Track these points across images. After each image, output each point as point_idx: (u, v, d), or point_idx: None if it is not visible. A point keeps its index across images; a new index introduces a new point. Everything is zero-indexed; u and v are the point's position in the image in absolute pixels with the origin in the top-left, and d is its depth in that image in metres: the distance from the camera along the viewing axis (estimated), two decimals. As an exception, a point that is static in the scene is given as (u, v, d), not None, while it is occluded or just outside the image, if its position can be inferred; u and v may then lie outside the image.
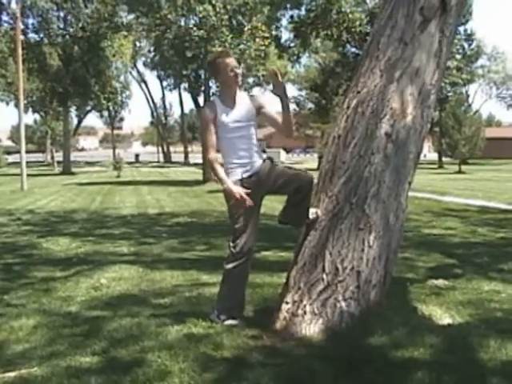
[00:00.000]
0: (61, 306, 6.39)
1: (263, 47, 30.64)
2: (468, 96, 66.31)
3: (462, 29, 56.29)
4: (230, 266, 5.54)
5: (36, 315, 5.98)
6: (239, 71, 5.53)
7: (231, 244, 5.53)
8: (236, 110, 5.54)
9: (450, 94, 54.07)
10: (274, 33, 33.42)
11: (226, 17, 29.61)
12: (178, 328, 5.34)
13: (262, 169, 5.54)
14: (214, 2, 29.51)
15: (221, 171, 5.51)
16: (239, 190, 5.36)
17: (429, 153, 74.05)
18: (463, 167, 49.79)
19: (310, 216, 5.45)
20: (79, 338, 5.22)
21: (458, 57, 53.18)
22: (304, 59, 54.96)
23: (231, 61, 5.51)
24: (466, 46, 59.76)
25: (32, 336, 5.34)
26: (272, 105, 5.81)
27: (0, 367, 4.59)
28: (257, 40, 29.14)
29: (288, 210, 5.70)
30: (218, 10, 29.15)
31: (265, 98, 6.06)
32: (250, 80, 37.35)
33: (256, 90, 40.78)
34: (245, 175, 5.47)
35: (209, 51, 28.44)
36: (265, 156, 5.70)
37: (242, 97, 5.64)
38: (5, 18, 40.85)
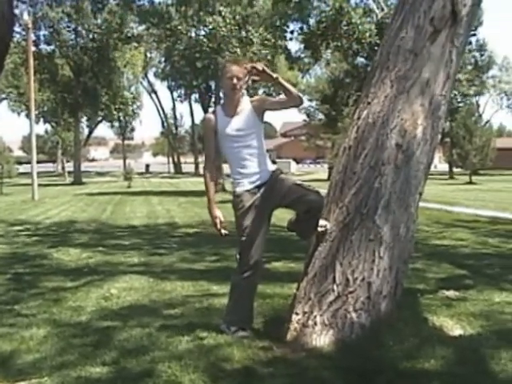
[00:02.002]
0: (71, 316, 6.38)
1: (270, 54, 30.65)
2: (479, 106, 66.09)
3: (473, 39, 56.23)
4: (237, 278, 5.52)
5: (46, 325, 5.97)
6: (236, 81, 5.28)
7: (238, 256, 5.48)
8: (236, 118, 5.39)
9: (460, 104, 53.82)
10: (281, 43, 33.43)
11: (236, 27, 29.67)
12: (188, 339, 5.32)
13: (271, 180, 5.43)
14: (223, 13, 29.59)
15: (210, 189, 5.55)
16: (217, 220, 5.46)
17: (439, 163, 73.60)
18: (474, 178, 49.61)
19: (319, 229, 5.40)
20: (89, 348, 5.20)
21: (469, 67, 53.00)
22: (314, 70, 55.01)
23: (233, 69, 5.31)
24: (477, 56, 59.56)
25: (42, 346, 5.32)
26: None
27: (10, 377, 4.58)
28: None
29: (296, 222, 5.61)
30: (227, 21, 29.21)
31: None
32: (260, 91, 37.44)
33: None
34: (252, 186, 5.38)
35: (219, 62, 28.52)
36: (274, 167, 5.59)
37: (243, 104, 5.45)
38: (17, 29, 41.06)
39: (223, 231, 5.49)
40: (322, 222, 5.40)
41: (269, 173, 5.47)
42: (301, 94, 5.49)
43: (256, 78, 5.34)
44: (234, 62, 5.49)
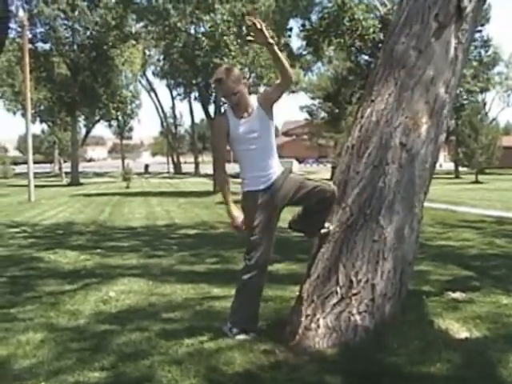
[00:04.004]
0: (69, 319, 6.30)
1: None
2: (485, 104, 66.07)
3: (478, 35, 56.14)
4: (245, 277, 5.43)
5: (43, 329, 5.89)
6: (235, 97, 5.24)
7: (246, 256, 5.42)
8: (248, 119, 5.32)
9: (466, 102, 53.63)
10: (283, 40, 33.43)
11: (235, 24, 29.61)
12: (188, 342, 5.24)
13: (279, 180, 5.38)
14: (220, 10, 29.53)
15: (227, 191, 5.52)
16: (237, 220, 5.42)
17: (445, 162, 73.73)
18: (480, 177, 49.55)
19: (322, 230, 5.35)
20: (87, 352, 5.13)
21: (475, 64, 52.85)
22: (316, 67, 55.01)
23: (227, 88, 5.23)
24: (482, 52, 59.48)
25: (39, 350, 5.25)
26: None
27: (6, 383, 4.52)
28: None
29: (302, 217, 5.56)
30: (225, 18, 29.16)
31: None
32: (261, 89, 37.38)
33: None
34: (262, 187, 5.33)
35: (215, 63, 28.46)
36: (283, 168, 5.53)
37: (252, 103, 5.38)
38: (13, 25, 40.97)
39: (238, 229, 5.50)
40: (326, 224, 5.34)
41: (279, 172, 5.44)
42: (291, 70, 5.34)
43: (251, 37, 5.07)
44: (224, 80, 5.24)
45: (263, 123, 5.35)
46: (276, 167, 5.43)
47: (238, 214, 5.45)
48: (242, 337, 5.30)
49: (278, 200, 5.38)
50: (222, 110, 5.91)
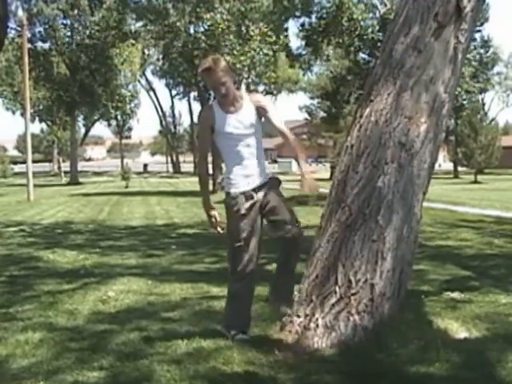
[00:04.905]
0: (67, 319, 6.29)
1: (271, 53, 30.63)
2: (484, 104, 66.06)
3: (478, 35, 56.12)
4: (232, 285, 5.42)
5: (42, 329, 5.88)
6: (224, 88, 5.07)
7: (231, 263, 5.36)
8: (235, 115, 5.18)
9: (465, 101, 53.58)
10: (282, 40, 33.42)
11: (235, 23, 29.60)
12: (187, 342, 5.23)
13: (267, 186, 5.28)
14: (220, 9, 29.52)
15: (206, 187, 5.48)
16: (213, 219, 5.37)
17: (444, 162, 73.71)
18: (479, 177, 49.50)
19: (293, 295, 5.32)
20: (86, 352, 5.12)
21: (474, 64, 52.77)
22: (316, 67, 54.94)
23: (215, 78, 5.07)
24: (482, 52, 59.42)
25: (38, 350, 5.24)
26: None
27: (5, 382, 4.51)
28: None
29: (278, 284, 5.52)
30: (224, 17, 29.16)
31: (266, 99, 5.73)
32: (261, 88, 37.37)
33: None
34: (248, 188, 5.19)
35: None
36: (271, 173, 5.44)
37: (243, 99, 5.26)
38: (12, 25, 40.97)
39: (219, 229, 5.41)
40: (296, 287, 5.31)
41: (266, 176, 5.34)
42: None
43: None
44: (213, 68, 5.08)
45: (251, 121, 5.21)
46: (262, 170, 5.31)
47: (214, 213, 5.37)
48: (240, 337, 5.28)
49: (262, 205, 5.25)
50: (210, 103, 5.69)
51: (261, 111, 5.27)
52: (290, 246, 5.31)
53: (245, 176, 5.20)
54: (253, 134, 5.23)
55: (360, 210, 5.21)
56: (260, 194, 5.22)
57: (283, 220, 5.24)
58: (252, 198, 5.18)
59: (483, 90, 61.14)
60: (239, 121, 5.16)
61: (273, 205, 5.24)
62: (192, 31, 32.40)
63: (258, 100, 5.37)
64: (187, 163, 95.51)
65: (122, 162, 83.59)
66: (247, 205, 5.16)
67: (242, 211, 5.16)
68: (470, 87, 49.26)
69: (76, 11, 47.64)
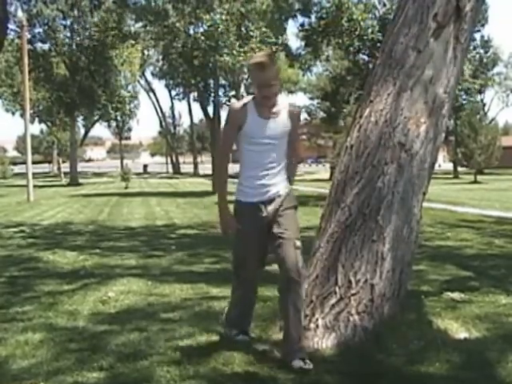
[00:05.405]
0: (67, 319, 6.27)
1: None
2: (484, 104, 65.91)
3: (478, 35, 56.13)
4: (235, 285, 5.33)
5: (42, 329, 5.87)
6: (270, 94, 4.60)
7: (234, 267, 5.24)
8: (271, 122, 4.71)
9: (465, 102, 53.61)
10: (280, 41, 33.44)
11: (234, 24, 29.61)
12: (187, 342, 5.23)
13: (279, 203, 4.80)
14: (219, 10, 29.54)
15: (225, 188, 4.94)
16: (227, 225, 4.94)
17: (444, 162, 73.71)
18: (479, 177, 49.54)
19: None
20: (86, 352, 5.10)
21: (475, 63, 52.78)
22: (315, 67, 54.94)
23: (268, 76, 4.53)
24: (482, 52, 59.39)
25: (38, 351, 5.22)
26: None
27: (6, 383, 4.49)
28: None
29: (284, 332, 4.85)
30: (223, 18, 29.18)
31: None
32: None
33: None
34: (256, 199, 4.78)
35: (217, 60, 28.47)
36: (289, 188, 4.92)
37: (280, 104, 4.78)
38: (11, 26, 40.95)
39: (229, 232, 4.99)
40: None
41: (281, 190, 4.83)
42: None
43: None
44: (268, 64, 4.54)
45: (284, 132, 4.78)
46: (279, 182, 4.82)
47: (230, 219, 4.93)
48: (241, 337, 5.26)
49: (270, 223, 4.79)
50: (244, 100, 4.95)
51: (293, 123, 4.85)
52: (282, 286, 4.75)
53: (259, 186, 4.77)
54: (281, 145, 4.80)
55: (360, 210, 5.22)
56: (270, 208, 4.78)
57: (283, 258, 4.69)
58: (261, 210, 4.77)
59: (483, 86, 60.96)
60: (272, 128, 4.71)
61: (279, 231, 4.74)
62: (191, 32, 32.37)
63: (297, 112, 4.94)
64: (187, 164, 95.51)
65: (121, 162, 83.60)
66: (255, 220, 4.80)
67: (249, 222, 4.83)
68: (470, 84, 49.28)
69: (76, 12, 47.64)
